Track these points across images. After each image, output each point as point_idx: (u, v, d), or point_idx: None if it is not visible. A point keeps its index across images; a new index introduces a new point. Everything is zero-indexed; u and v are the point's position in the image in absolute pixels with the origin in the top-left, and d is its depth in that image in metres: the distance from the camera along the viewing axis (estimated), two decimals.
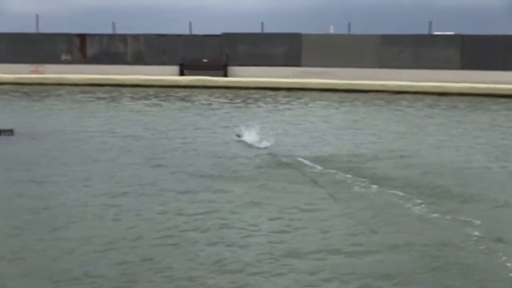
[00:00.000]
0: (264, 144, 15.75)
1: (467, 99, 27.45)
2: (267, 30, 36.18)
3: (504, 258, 8.15)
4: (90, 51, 36.07)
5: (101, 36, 36.54)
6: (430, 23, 34.83)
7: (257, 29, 36.37)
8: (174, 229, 9.16)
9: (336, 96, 28.40)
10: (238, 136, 16.82)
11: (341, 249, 8.43)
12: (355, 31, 35.76)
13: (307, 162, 13.77)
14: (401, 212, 10.16)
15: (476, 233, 9.07)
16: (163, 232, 8.99)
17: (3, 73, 32.92)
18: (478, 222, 9.52)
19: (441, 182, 12.20)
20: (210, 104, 25.09)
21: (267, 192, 11.33)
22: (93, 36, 36.44)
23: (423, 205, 10.43)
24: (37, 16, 38.43)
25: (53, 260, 7.96)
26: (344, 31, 36.16)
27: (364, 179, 12.09)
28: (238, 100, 25.96)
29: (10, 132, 17.21)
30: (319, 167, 13.25)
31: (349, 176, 12.38)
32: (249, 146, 15.75)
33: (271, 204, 10.52)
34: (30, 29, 37.75)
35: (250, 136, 16.42)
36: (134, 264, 7.82)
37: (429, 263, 8.01)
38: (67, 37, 36.39)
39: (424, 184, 11.92)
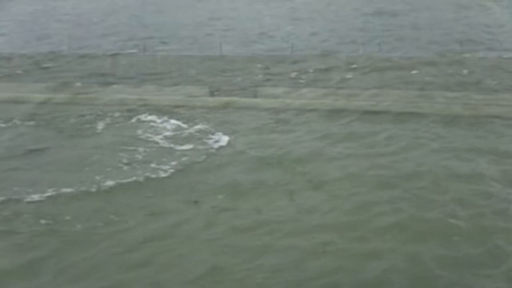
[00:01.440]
0: None
1: None
2: (297, 51, 36.07)
3: None
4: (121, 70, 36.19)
5: (131, 55, 36.75)
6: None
7: (287, 50, 36.29)
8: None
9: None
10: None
11: None
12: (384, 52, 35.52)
13: None
14: None
15: None
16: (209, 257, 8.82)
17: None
18: None
19: None
20: (240, 124, 24.96)
21: None
22: (123, 55, 36.64)
23: None
24: (68, 36, 38.91)
25: None
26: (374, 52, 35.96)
27: None
28: (269, 122, 25.78)
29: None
30: None
31: None
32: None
33: None
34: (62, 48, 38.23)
35: None
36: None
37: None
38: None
39: None
